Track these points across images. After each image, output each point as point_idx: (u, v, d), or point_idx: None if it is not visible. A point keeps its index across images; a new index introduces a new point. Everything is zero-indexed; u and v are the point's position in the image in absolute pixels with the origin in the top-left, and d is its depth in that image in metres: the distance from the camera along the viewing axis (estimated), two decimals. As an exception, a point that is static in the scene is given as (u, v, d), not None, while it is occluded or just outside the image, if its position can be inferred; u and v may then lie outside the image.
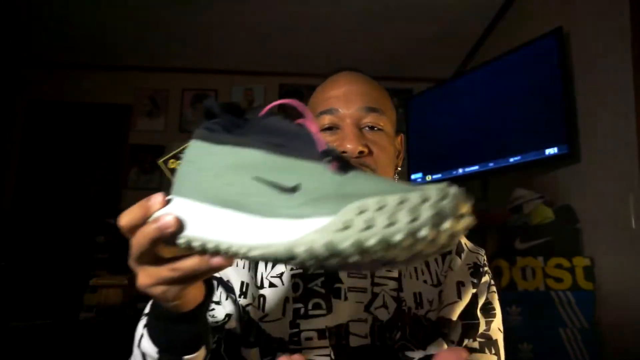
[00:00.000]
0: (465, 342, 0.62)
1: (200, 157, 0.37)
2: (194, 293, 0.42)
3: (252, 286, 0.63)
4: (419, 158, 2.59)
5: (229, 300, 0.61)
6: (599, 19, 1.62)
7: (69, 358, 2.00)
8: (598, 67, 1.63)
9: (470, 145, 2.24)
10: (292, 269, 0.63)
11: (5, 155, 3.21)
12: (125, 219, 0.36)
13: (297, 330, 0.59)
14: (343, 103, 0.64)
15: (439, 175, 2.44)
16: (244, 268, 0.64)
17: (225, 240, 0.32)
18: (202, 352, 0.46)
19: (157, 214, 0.36)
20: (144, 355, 0.46)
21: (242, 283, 0.63)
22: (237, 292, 0.63)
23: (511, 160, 1.97)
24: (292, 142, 0.34)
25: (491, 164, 2.09)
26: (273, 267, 0.64)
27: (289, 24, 2.69)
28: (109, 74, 3.35)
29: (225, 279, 0.62)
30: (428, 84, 2.70)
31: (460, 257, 0.67)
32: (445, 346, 0.61)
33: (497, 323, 0.67)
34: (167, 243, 0.35)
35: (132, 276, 0.42)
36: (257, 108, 0.41)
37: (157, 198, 0.36)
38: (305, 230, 0.28)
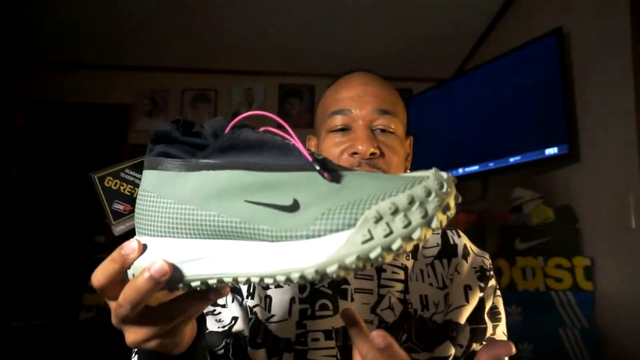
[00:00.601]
0: (473, 346, 0.62)
1: (167, 189, 0.33)
2: (188, 329, 0.39)
3: (258, 287, 0.62)
4: (419, 158, 2.58)
5: (235, 302, 0.61)
6: (599, 19, 1.62)
7: (69, 358, 2.00)
8: (598, 67, 1.63)
9: (470, 145, 2.24)
10: None
11: (5, 155, 3.21)
12: (100, 278, 0.33)
13: (303, 330, 0.59)
14: (356, 104, 0.64)
15: (439, 175, 2.44)
16: None
17: (229, 272, 0.30)
18: None
19: (138, 262, 0.33)
20: None
21: (249, 284, 0.62)
22: (245, 293, 0.62)
23: (511, 160, 1.97)
24: (272, 155, 0.32)
25: (491, 164, 2.09)
26: None
27: (289, 24, 2.69)
28: (109, 74, 3.35)
29: None
30: (428, 84, 2.70)
31: (466, 261, 0.67)
32: (453, 349, 0.61)
33: (502, 327, 0.67)
34: (164, 289, 0.32)
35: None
36: (212, 122, 0.34)
37: (132, 245, 0.33)
38: (329, 249, 0.28)
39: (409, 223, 0.27)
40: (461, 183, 2.67)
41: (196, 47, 3.03)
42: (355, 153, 0.61)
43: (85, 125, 3.34)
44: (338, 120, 0.64)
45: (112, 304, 0.34)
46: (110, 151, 3.30)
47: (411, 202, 0.27)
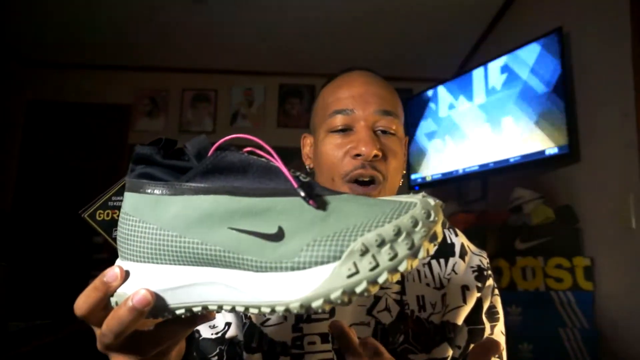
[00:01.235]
0: (471, 347, 0.62)
1: (149, 214, 0.32)
2: (175, 350, 0.39)
3: None
4: (419, 158, 2.59)
5: None
6: (599, 19, 1.62)
7: (68, 358, 2.00)
8: (598, 67, 1.63)
9: (470, 145, 2.24)
10: None
11: (5, 155, 3.21)
12: (83, 306, 0.32)
13: (299, 334, 0.58)
14: (359, 104, 0.62)
15: (439, 176, 2.44)
16: None
17: (214, 300, 0.30)
18: None
19: (121, 290, 0.32)
20: None
21: None
22: None
23: (511, 160, 1.97)
24: (257, 177, 0.31)
25: (491, 164, 2.09)
26: None
27: (289, 24, 2.69)
28: (109, 74, 3.35)
29: None
30: (428, 84, 2.69)
31: (463, 260, 0.66)
32: (450, 350, 0.60)
33: (500, 326, 0.66)
34: (148, 318, 0.32)
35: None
36: (196, 141, 0.34)
37: (114, 272, 0.32)
38: (314, 283, 0.27)
39: (395, 255, 0.26)
40: (461, 183, 2.67)
41: (196, 47, 3.03)
42: (358, 155, 0.60)
43: (85, 125, 3.34)
44: (339, 120, 0.63)
45: (97, 330, 0.34)
46: (110, 151, 3.30)
47: (397, 233, 0.27)
